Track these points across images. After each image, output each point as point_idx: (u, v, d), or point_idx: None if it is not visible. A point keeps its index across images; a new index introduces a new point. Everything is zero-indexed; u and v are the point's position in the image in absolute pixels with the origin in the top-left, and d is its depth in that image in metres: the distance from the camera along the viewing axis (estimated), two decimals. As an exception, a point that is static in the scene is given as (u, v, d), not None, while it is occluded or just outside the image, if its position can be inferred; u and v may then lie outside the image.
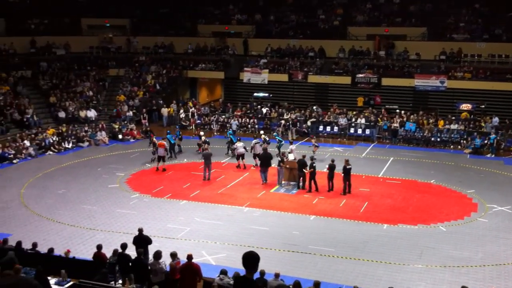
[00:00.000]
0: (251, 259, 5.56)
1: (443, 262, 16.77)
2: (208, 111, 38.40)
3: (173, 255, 13.79)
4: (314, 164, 23.49)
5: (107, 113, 38.03)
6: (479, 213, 21.16)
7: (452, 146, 32.22)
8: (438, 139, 32.62)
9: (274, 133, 32.66)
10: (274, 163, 25.17)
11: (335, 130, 34.76)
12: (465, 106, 34.42)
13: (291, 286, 11.78)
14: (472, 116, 34.17)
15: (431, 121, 33.95)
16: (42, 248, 15.52)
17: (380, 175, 26.37)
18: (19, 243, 14.86)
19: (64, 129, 32.66)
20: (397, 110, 35.51)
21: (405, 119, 33.95)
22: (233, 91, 42.87)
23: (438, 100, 36.61)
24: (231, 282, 12.65)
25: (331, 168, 23.42)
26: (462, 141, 32.27)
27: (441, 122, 33.51)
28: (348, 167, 23.05)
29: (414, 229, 19.49)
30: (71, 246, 17.20)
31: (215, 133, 35.66)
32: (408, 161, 28.93)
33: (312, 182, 23.55)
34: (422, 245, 17.99)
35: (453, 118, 33.75)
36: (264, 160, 24.96)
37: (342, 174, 23.15)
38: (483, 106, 34.56)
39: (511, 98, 34.74)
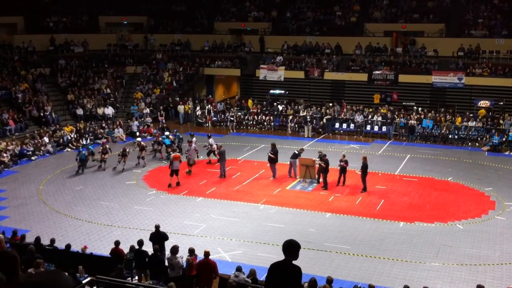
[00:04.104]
0: (291, 246, 5.62)
1: (460, 260, 16.67)
2: (224, 108, 38.46)
3: (191, 251, 13.93)
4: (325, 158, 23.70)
5: (125, 110, 38.32)
6: (496, 211, 20.97)
7: (470, 144, 31.93)
8: (456, 137, 32.34)
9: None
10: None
11: (351, 128, 34.63)
12: (484, 103, 34.05)
13: (307, 284, 11.79)
14: (490, 113, 33.81)
15: (448, 118, 33.68)
16: (60, 244, 15.74)
17: (397, 172, 26.24)
18: (38, 239, 15.05)
19: (82, 126, 32.98)
20: (414, 107, 35.27)
21: (422, 116, 33.70)
22: (249, 88, 42.90)
23: (456, 97, 36.30)
24: (247, 278, 12.72)
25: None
26: (480, 138, 31.97)
27: (458, 119, 33.22)
28: (367, 163, 23.07)
29: (431, 227, 19.38)
30: (89, 242, 17.40)
31: (231, 130, 35.72)
32: (425, 159, 28.73)
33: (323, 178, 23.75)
34: (439, 243, 17.89)
35: (471, 115, 33.44)
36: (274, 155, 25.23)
37: (360, 172, 23.08)
38: (501, 103, 34.20)
39: (530, 95, 34.33)
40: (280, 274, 5.56)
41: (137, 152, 27.40)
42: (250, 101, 38.65)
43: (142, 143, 27.62)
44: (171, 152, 28.37)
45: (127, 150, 26.63)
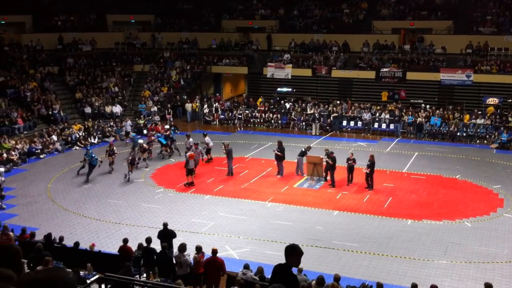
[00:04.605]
0: (289, 248, 5.65)
1: (468, 258, 16.62)
2: (231, 106, 38.48)
3: (198, 249, 13.96)
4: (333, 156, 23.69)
5: (133, 108, 38.43)
6: (505, 208, 20.88)
7: (478, 141, 31.80)
8: (464, 134, 32.21)
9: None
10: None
11: (358, 125, 34.57)
12: (492, 100, 33.88)
13: (314, 281, 11.80)
14: (499, 110, 33.65)
15: (456, 115, 33.55)
16: (69, 242, 15.81)
17: (405, 170, 26.17)
18: (49, 236, 15.16)
19: (90, 125, 33.10)
20: (422, 105, 35.17)
21: (430, 113, 33.59)
22: (256, 86, 42.90)
23: (464, 94, 36.14)
24: (254, 276, 12.74)
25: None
26: (488, 136, 31.82)
27: (466, 117, 33.08)
28: (374, 161, 23.06)
29: (439, 225, 19.33)
30: (97, 240, 17.48)
31: (239, 128, 35.73)
32: (433, 156, 28.64)
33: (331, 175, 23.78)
34: (447, 241, 17.84)
35: (479, 112, 33.29)
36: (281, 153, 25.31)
37: (368, 170, 23.00)
38: (510, 100, 34.01)
39: (539, 92, 34.14)
40: (280, 277, 5.58)
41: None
42: (260, 99, 38.62)
43: (144, 145, 27.05)
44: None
45: (136, 159, 25.63)
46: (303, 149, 25.30)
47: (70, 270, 12.07)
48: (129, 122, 33.77)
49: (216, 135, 33.45)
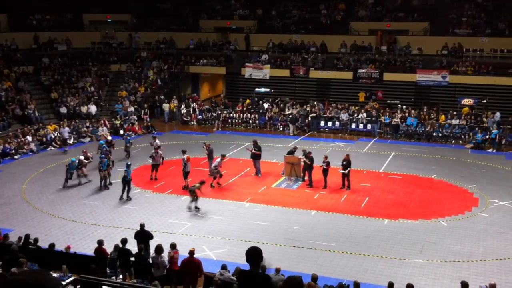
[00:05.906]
0: (254, 254, 5.58)
1: (444, 257, 16.79)
2: (208, 106, 38.33)
3: (172, 246, 13.95)
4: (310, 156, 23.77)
5: (109, 108, 38.08)
6: (480, 208, 21.16)
7: (453, 141, 32.18)
8: (440, 134, 32.57)
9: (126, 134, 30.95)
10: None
11: (336, 126, 34.72)
12: (467, 101, 34.33)
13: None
14: (474, 111, 34.10)
15: (432, 116, 33.91)
16: (44, 244, 15.58)
17: (381, 170, 26.35)
18: (27, 237, 14.99)
19: (65, 125, 32.65)
20: (399, 105, 35.47)
21: (406, 114, 33.91)
22: (234, 86, 42.85)
23: (440, 95, 36.55)
24: (232, 276, 12.70)
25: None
26: (463, 136, 32.23)
27: (442, 117, 33.46)
28: (350, 160, 23.18)
29: (415, 224, 19.50)
30: (73, 242, 17.27)
31: (217, 129, 35.58)
32: (409, 156, 28.90)
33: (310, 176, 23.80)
34: (423, 240, 18.01)
35: (455, 113, 33.69)
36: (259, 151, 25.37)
37: (344, 170, 23.10)
38: (485, 101, 34.50)
39: (513, 93, 34.68)
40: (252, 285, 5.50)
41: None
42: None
43: (81, 158, 24.52)
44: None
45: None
46: (291, 149, 25.36)
47: (54, 274, 11.93)
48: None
49: (194, 135, 33.36)
